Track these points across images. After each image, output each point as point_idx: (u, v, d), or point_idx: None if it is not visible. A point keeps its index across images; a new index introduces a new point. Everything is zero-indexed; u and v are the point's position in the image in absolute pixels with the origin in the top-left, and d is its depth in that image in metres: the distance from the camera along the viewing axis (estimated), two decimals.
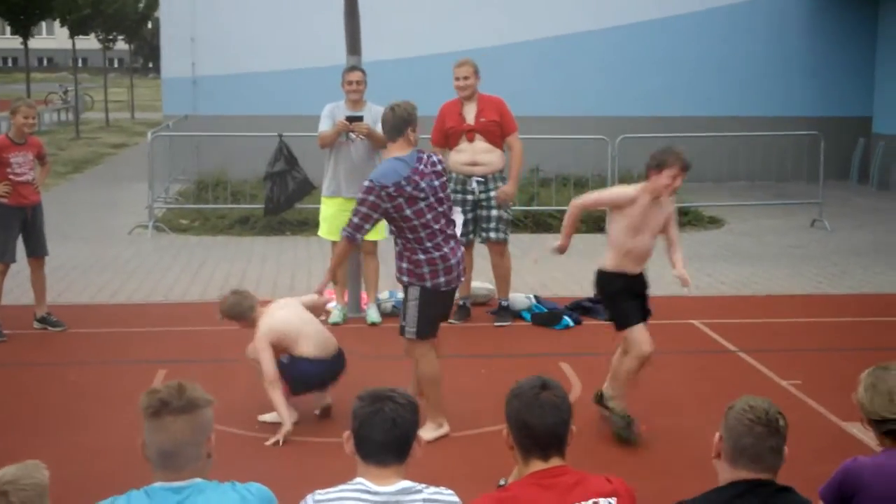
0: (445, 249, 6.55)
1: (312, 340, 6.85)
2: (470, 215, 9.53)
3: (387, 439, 3.40)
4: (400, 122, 6.55)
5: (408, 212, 6.43)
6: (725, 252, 13.33)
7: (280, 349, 6.79)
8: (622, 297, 6.67)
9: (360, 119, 9.32)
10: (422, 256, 6.50)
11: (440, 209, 6.56)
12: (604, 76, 19.33)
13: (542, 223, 14.76)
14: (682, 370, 8.27)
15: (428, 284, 6.53)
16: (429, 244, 6.49)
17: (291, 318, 6.90)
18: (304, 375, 6.79)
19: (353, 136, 9.34)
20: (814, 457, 5.46)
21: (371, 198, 6.41)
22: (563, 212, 14.48)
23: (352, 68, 9.67)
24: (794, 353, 8.72)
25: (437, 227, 6.53)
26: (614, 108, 18.75)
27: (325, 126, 9.48)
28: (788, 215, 15.71)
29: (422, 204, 6.46)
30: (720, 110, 19.20)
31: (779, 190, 18.10)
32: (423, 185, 6.47)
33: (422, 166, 6.51)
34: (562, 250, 7.00)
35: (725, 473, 3.46)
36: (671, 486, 3.96)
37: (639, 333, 6.61)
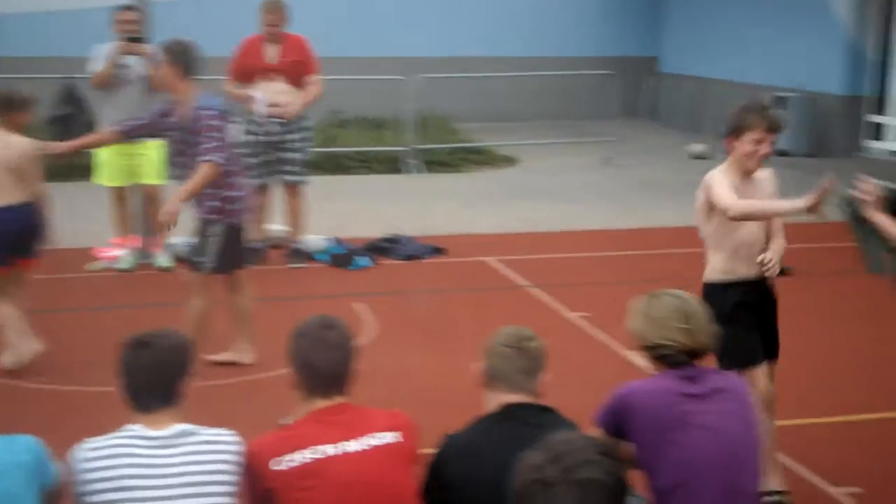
0: (242, 188, 6.80)
1: None
2: (266, 157, 9.42)
3: (150, 383, 3.36)
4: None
5: None
6: (519, 190, 13.57)
7: None
8: (741, 320, 5.12)
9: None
10: (228, 193, 6.60)
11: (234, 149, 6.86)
12: (404, 16, 19.28)
13: (342, 165, 14.70)
14: (472, 306, 8.41)
15: (233, 221, 6.67)
16: (233, 181, 6.65)
17: None
18: None
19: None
20: (599, 385, 5.63)
21: (222, 123, 6.59)
22: (361, 153, 14.71)
23: (126, 7, 9.29)
24: (584, 287, 8.98)
25: (236, 165, 6.79)
26: (414, 49, 18.74)
27: (97, 67, 9.09)
28: (583, 153, 16.09)
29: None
30: (518, 51, 19.41)
31: (576, 129, 18.53)
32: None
33: None
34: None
35: (489, 401, 3.63)
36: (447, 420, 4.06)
37: (757, 376, 5.15)
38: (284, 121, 9.39)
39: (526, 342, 3.64)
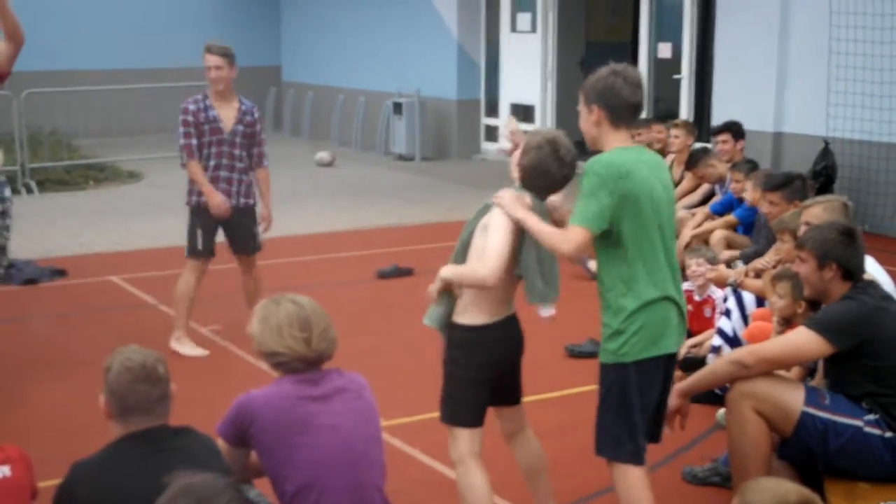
0: None
1: None
2: None
3: None
4: None
5: None
6: (145, 205, 13.21)
7: None
8: None
9: None
10: None
11: None
12: None
13: None
14: (103, 328, 8.09)
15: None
16: None
17: None
18: None
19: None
20: (228, 395, 5.58)
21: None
22: None
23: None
24: (214, 300, 8.84)
25: None
26: (17, 63, 17.75)
27: None
28: None
29: None
30: (129, 63, 18.95)
31: None
32: None
33: None
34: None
35: (117, 430, 3.47)
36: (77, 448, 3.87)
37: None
38: None
39: (155, 373, 3.46)
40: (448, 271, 4.37)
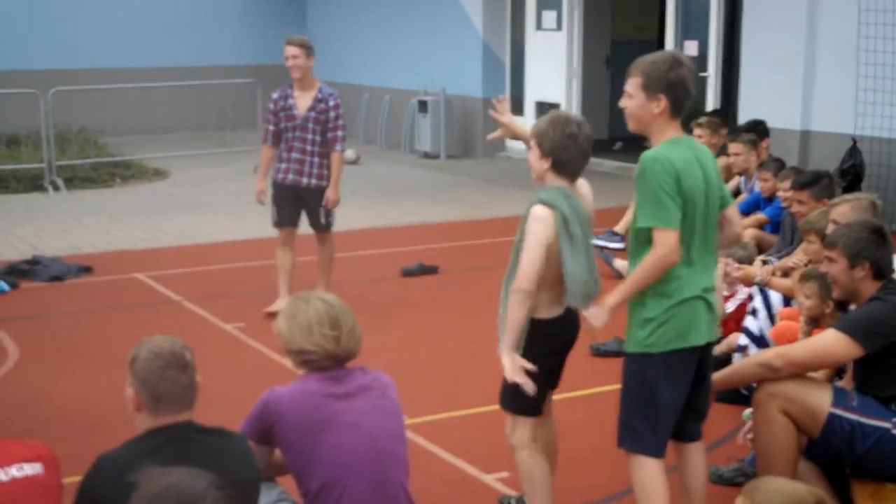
0: None
1: None
2: None
3: None
4: None
5: None
6: (171, 203, 13.25)
7: None
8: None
9: None
10: None
11: None
12: (31, 27, 18.34)
13: None
14: (123, 324, 8.11)
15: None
16: None
17: None
18: None
19: None
20: (252, 393, 5.58)
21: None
22: None
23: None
24: (238, 297, 8.87)
25: None
26: (44, 61, 17.87)
27: None
28: (230, 163, 15.91)
29: None
30: (155, 61, 18.99)
31: (220, 139, 18.30)
32: None
33: None
34: None
35: (146, 423, 3.41)
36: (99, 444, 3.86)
37: None
38: None
39: (182, 359, 3.44)
40: (507, 342, 4.40)
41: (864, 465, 4.40)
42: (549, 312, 4.50)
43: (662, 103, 4.14)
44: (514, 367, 4.36)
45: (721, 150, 9.68)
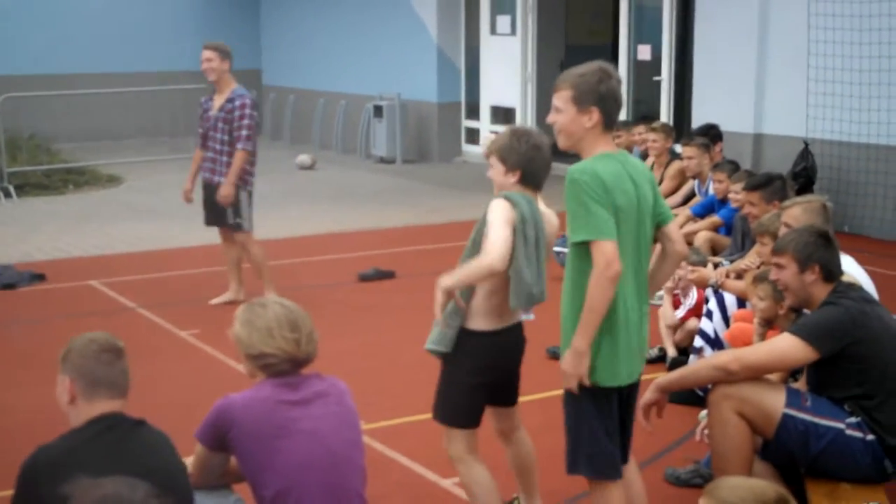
0: None
1: None
2: None
3: None
4: None
5: None
6: (124, 210, 13.15)
7: None
8: None
9: None
10: None
11: None
12: None
13: None
14: (80, 332, 7.97)
15: None
16: None
17: None
18: None
19: None
20: (207, 400, 5.54)
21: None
22: None
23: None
24: (192, 304, 8.81)
25: None
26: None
27: None
28: (184, 169, 15.65)
29: None
30: (108, 66, 18.85)
31: (173, 144, 18.16)
32: None
33: None
34: None
35: (83, 413, 3.41)
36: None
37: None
38: None
39: (116, 345, 3.50)
40: (449, 279, 4.24)
41: (818, 465, 4.44)
42: (485, 324, 4.41)
43: (595, 116, 3.99)
44: (438, 301, 4.24)
45: (673, 155, 9.76)
